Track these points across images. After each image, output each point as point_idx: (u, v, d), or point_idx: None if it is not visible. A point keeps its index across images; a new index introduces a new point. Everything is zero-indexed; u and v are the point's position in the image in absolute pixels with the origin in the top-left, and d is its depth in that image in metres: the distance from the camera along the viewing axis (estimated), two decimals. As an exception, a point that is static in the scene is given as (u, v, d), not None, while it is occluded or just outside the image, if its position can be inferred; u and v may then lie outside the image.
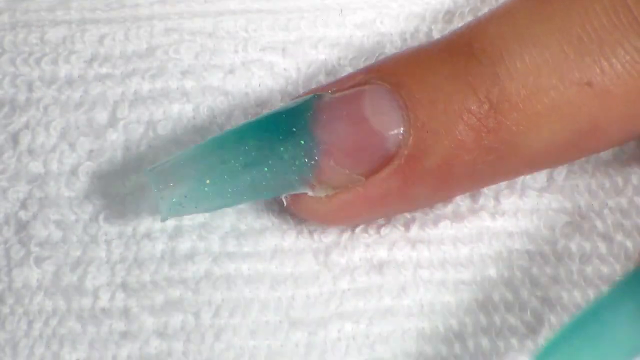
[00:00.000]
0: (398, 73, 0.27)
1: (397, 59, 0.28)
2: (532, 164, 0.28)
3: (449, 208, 0.30)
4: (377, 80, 0.27)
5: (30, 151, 0.30)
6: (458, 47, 0.27)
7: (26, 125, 0.30)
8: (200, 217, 0.29)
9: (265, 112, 0.29)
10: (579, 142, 0.27)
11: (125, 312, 0.28)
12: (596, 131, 0.27)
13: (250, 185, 0.27)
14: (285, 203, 0.28)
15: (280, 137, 0.27)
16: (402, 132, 0.27)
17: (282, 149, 0.27)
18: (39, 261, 0.29)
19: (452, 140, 0.27)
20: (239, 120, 0.30)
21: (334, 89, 0.28)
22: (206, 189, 0.27)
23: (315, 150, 0.27)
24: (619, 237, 0.29)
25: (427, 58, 0.28)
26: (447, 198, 0.29)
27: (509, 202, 0.30)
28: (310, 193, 0.28)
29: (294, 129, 0.27)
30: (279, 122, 0.27)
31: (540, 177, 0.30)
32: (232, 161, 0.27)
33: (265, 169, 0.27)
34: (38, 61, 0.30)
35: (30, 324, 0.28)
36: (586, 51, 0.26)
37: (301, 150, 0.27)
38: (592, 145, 0.28)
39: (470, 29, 0.28)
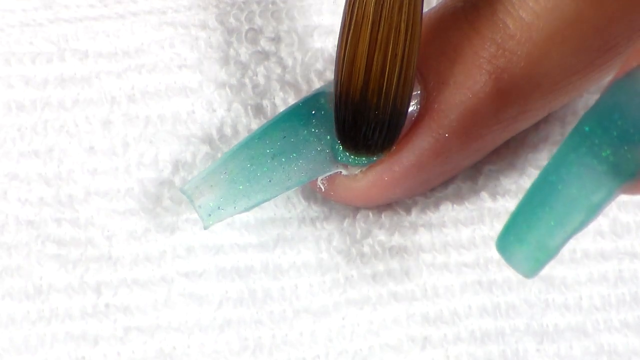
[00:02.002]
0: None
1: None
2: (556, 95, 0.28)
3: (450, 190, 0.30)
4: None
5: (30, 152, 0.30)
6: (454, 2, 0.28)
7: (24, 126, 0.30)
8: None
9: (284, 101, 0.30)
10: (593, 61, 0.27)
11: (129, 308, 0.29)
12: (606, 45, 0.27)
13: (284, 174, 0.27)
14: (323, 190, 0.28)
15: (302, 122, 0.27)
16: (419, 91, 0.27)
17: (305, 132, 0.27)
18: (41, 260, 0.29)
19: (469, 87, 0.27)
20: (239, 112, 0.30)
21: None
22: (240, 187, 0.27)
23: None
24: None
25: (428, 21, 0.28)
26: (482, 150, 0.29)
27: (509, 181, 0.30)
28: (344, 172, 0.28)
29: (314, 112, 0.27)
30: (297, 111, 0.27)
31: (541, 155, 0.30)
32: (260, 156, 0.27)
33: (294, 154, 0.27)
34: (33, 60, 0.30)
35: (33, 323, 0.28)
36: None
37: (324, 129, 0.27)
38: (608, 63, 0.28)
39: None
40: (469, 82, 0.27)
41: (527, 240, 0.24)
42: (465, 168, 0.29)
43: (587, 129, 0.24)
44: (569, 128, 0.30)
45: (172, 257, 0.29)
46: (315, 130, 0.27)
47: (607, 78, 0.28)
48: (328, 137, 0.27)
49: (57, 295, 0.29)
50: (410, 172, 0.28)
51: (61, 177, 0.30)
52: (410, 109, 0.27)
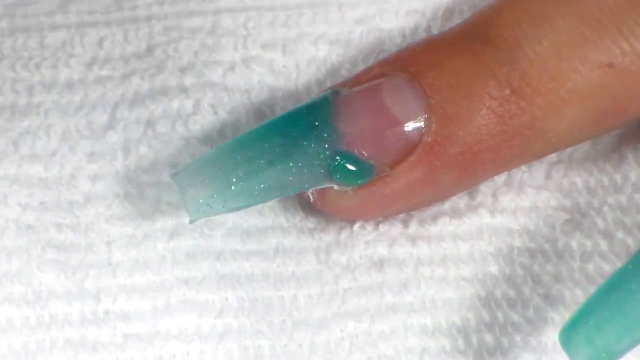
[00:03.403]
0: (415, 62, 0.27)
1: (411, 49, 0.28)
2: (556, 146, 0.28)
3: (447, 205, 0.30)
4: (394, 71, 0.27)
5: (31, 156, 0.29)
6: (473, 35, 0.27)
7: (27, 130, 0.29)
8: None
9: (284, 110, 0.29)
10: (602, 122, 0.27)
11: (128, 315, 0.28)
12: (619, 111, 0.27)
13: (277, 182, 0.27)
14: (312, 199, 0.28)
15: (303, 132, 0.27)
16: (423, 119, 0.27)
17: (305, 143, 0.27)
18: (41, 265, 0.29)
19: (475, 126, 0.27)
20: (240, 117, 0.30)
21: (351, 84, 0.28)
22: (233, 187, 0.27)
23: (338, 142, 0.27)
24: (619, 234, 0.29)
25: (442, 46, 0.28)
26: (472, 184, 0.29)
27: (507, 199, 0.30)
28: (336, 187, 0.28)
29: (317, 123, 0.27)
30: (300, 118, 0.27)
31: (538, 174, 0.30)
32: (257, 159, 0.27)
33: (291, 164, 0.27)
34: (38, 66, 0.30)
35: (32, 329, 0.28)
36: (604, 32, 0.26)
37: (324, 143, 0.27)
38: (615, 124, 0.28)
39: (484, 16, 0.28)
40: (475, 121, 0.27)
41: (595, 342, 0.25)
42: (457, 194, 0.30)
43: None
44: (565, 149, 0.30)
45: (172, 263, 0.29)
46: (314, 143, 0.27)
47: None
48: (327, 152, 0.27)
49: (57, 302, 0.28)
50: (400, 197, 0.28)
51: (62, 182, 0.29)
52: (413, 136, 0.27)
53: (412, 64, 0.27)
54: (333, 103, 0.27)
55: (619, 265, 0.29)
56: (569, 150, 0.30)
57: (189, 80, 0.30)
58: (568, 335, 0.25)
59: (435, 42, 0.28)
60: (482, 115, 0.27)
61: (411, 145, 0.27)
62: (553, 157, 0.30)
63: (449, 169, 0.27)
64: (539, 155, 0.28)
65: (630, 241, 0.29)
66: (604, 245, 0.29)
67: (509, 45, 0.27)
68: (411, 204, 0.29)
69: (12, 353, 0.28)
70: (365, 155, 0.27)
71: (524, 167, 0.30)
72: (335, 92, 0.28)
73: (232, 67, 0.30)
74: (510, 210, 0.30)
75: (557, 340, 0.28)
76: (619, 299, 0.25)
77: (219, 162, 0.27)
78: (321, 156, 0.27)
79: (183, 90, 0.30)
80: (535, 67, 0.26)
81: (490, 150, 0.27)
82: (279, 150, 0.27)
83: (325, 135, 0.27)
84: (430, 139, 0.27)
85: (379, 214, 0.29)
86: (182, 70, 0.30)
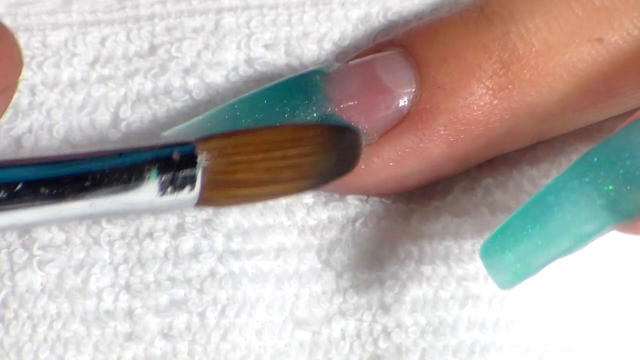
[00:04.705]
0: (410, 37, 0.28)
1: (408, 30, 0.29)
2: (550, 126, 0.28)
3: (448, 202, 0.30)
4: (391, 47, 0.28)
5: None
6: (469, 12, 0.28)
7: (29, 129, 0.30)
8: (203, 214, 0.29)
9: None
10: (595, 103, 0.27)
11: (130, 314, 0.29)
12: (611, 90, 0.27)
13: None
14: None
15: (292, 95, 0.27)
16: (413, 89, 0.27)
17: (293, 104, 0.27)
18: (42, 264, 0.29)
19: (463, 97, 0.27)
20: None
21: (349, 59, 0.28)
22: None
23: (327, 107, 0.27)
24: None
25: (438, 24, 0.28)
26: (464, 162, 0.29)
27: (508, 197, 0.30)
28: None
29: (306, 87, 0.27)
30: (290, 83, 0.28)
31: (540, 173, 0.30)
32: (244, 118, 0.27)
33: (277, 124, 0.27)
34: (40, 65, 0.30)
35: (34, 327, 0.28)
36: (594, 9, 0.27)
37: (312, 106, 0.27)
38: (610, 107, 0.28)
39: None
40: (465, 91, 0.27)
41: (511, 252, 0.24)
42: (445, 177, 0.30)
43: (595, 159, 0.24)
44: (569, 149, 0.30)
45: (174, 262, 0.29)
46: (302, 105, 0.27)
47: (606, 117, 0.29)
48: (315, 114, 0.27)
49: (57, 302, 0.28)
50: (387, 166, 0.28)
51: None
52: (402, 104, 0.27)
53: (407, 39, 0.28)
54: (326, 73, 0.28)
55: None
56: (570, 149, 0.30)
57: (192, 82, 0.30)
58: (486, 248, 0.25)
59: (431, 22, 0.28)
60: (472, 87, 0.27)
61: (400, 114, 0.27)
62: (555, 155, 0.30)
63: (437, 139, 0.27)
64: (534, 136, 0.28)
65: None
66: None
67: (502, 20, 0.27)
68: (399, 176, 0.28)
69: (14, 350, 0.28)
70: (354, 121, 0.27)
71: (525, 165, 0.30)
72: (330, 64, 0.28)
73: (235, 68, 0.30)
74: (511, 209, 0.30)
75: (558, 342, 0.28)
76: (536, 211, 0.24)
77: (208, 121, 0.28)
78: (308, 118, 0.27)
79: (186, 91, 0.30)
80: (525, 41, 0.27)
81: (479, 123, 0.27)
82: (266, 110, 0.27)
83: (314, 98, 0.27)
84: (418, 107, 0.27)
85: (365, 184, 0.29)
86: (186, 71, 0.30)
